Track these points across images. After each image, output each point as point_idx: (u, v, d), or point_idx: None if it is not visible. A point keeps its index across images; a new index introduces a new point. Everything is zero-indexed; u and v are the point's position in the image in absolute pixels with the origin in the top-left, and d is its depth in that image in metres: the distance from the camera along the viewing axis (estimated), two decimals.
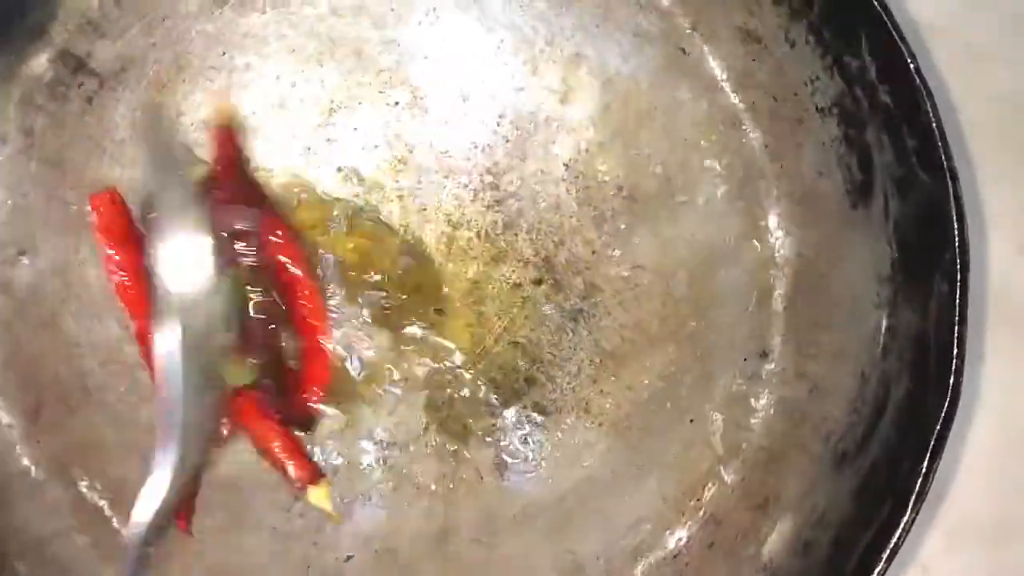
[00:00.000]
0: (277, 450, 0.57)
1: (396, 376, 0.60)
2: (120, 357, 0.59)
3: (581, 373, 0.60)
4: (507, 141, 0.61)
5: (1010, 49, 0.64)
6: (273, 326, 0.58)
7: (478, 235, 0.61)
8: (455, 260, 0.61)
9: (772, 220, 0.59)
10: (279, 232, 0.58)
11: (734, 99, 0.59)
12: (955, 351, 0.49)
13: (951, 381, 0.49)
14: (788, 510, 0.56)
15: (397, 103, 0.61)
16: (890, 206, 0.54)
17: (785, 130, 0.58)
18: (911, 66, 0.51)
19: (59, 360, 0.58)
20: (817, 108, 0.56)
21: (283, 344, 0.58)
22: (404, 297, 0.60)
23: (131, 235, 0.58)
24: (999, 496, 0.61)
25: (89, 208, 0.58)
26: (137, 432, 0.58)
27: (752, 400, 0.59)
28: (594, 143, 0.61)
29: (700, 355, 0.60)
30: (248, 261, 0.57)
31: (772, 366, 0.59)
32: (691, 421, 0.59)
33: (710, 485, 0.59)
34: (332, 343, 0.59)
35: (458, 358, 0.60)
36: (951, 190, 0.50)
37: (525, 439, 0.60)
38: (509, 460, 0.60)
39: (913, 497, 0.49)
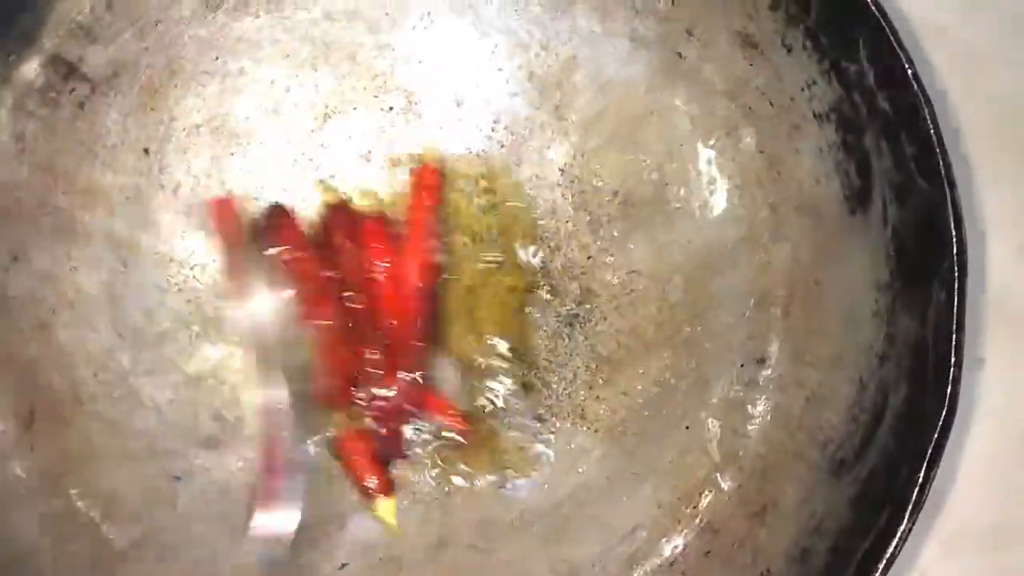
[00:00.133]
0: (357, 456, 0.58)
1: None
2: (114, 366, 0.58)
3: (577, 379, 0.60)
4: (502, 146, 0.61)
5: (1009, 50, 0.64)
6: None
7: (473, 240, 0.61)
8: (450, 265, 0.60)
9: (769, 226, 0.59)
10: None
11: (731, 104, 0.59)
12: (953, 359, 0.49)
13: (949, 389, 0.49)
14: (785, 518, 0.56)
15: (391, 108, 0.61)
16: (888, 213, 0.54)
17: (782, 136, 0.58)
18: (909, 72, 0.50)
19: (52, 368, 0.58)
20: (815, 114, 0.56)
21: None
22: None
23: (243, 239, 0.59)
24: (997, 502, 0.61)
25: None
26: (130, 442, 0.58)
27: (749, 407, 0.59)
28: (590, 148, 0.61)
29: (696, 361, 0.60)
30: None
31: (769, 372, 0.58)
32: (687, 428, 0.59)
33: (707, 492, 0.58)
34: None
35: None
36: (949, 197, 0.50)
37: (521, 446, 0.60)
38: (506, 467, 0.60)
39: (911, 505, 0.49)
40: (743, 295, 0.59)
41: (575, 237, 0.61)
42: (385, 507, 0.58)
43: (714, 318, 0.60)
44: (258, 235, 0.59)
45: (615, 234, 0.60)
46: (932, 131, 0.50)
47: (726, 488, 0.58)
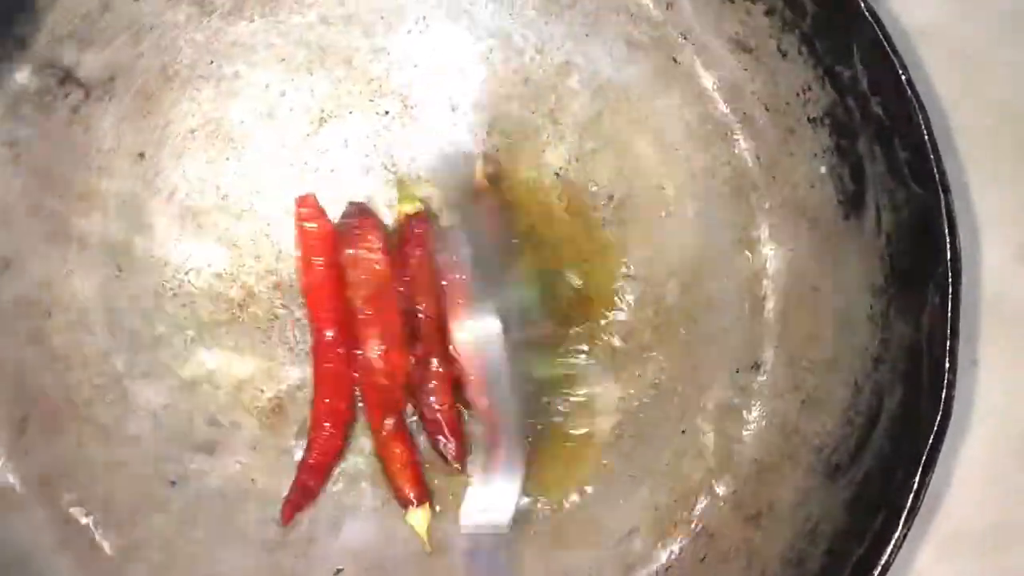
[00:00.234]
0: (396, 459, 0.58)
1: None
2: (108, 370, 0.58)
3: (571, 384, 0.60)
4: (497, 150, 0.61)
5: (1003, 54, 0.64)
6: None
7: None
8: None
9: (764, 231, 0.59)
10: None
11: (725, 109, 0.59)
12: (947, 364, 0.49)
13: (944, 394, 0.49)
14: (781, 522, 0.56)
15: (387, 112, 0.61)
16: (882, 217, 0.54)
17: (777, 140, 0.58)
18: (903, 78, 0.51)
19: (45, 374, 0.58)
20: (809, 118, 0.56)
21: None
22: None
23: (329, 239, 0.59)
24: (993, 503, 0.61)
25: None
26: (124, 447, 0.58)
27: (744, 411, 0.58)
28: (585, 152, 0.61)
29: (692, 365, 0.60)
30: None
31: (764, 377, 0.58)
32: (683, 432, 0.59)
33: (702, 497, 0.58)
34: None
35: None
36: (943, 202, 0.50)
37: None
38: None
39: (907, 510, 0.49)
40: (738, 300, 0.59)
41: (570, 241, 0.60)
42: (417, 516, 0.58)
43: (709, 322, 0.60)
44: (340, 234, 0.59)
45: (611, 238, 0.60)
46: (926, 136, 0.50)
47: (722, 492, 0.58)
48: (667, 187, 0.60)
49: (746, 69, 0.58)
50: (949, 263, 0.50)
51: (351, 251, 0.59)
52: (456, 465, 0.59)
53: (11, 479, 0.56)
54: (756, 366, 0.59)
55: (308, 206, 0.59)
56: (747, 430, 0.58)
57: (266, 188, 0.60)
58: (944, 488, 0.60)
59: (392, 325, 0.58)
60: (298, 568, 0.58)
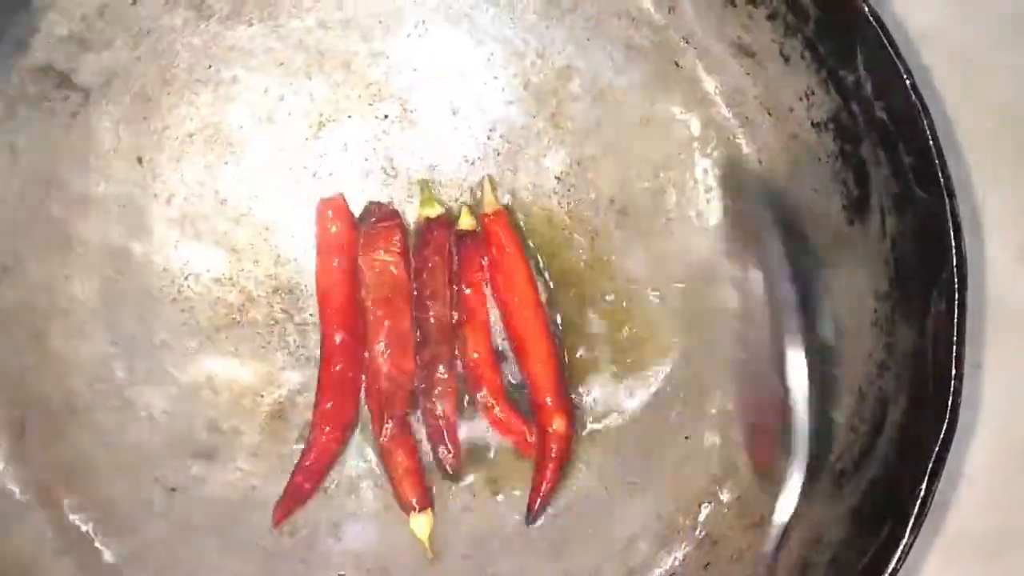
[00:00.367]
0: (398, 465, 0.58)
1: None
2: (108, 376, 0.58)
3: (575, 390, 0.60)
4: (498, 154, 0.60)
5: (1003, 57, 0.64)
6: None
7: None
8: None
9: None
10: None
11: (728, 113, 0.59)
12: (954, 371, 0.49)
13: (950, 400, 0.49)
14: (785, 529, 0.55)
15: (386, 116, 0.60)
16: (887, 223, 0.53)
17: (780, 145, 0.57)
18: (907, 82, 0.50)
19: (45, 378, 0.57)
20: (812, 123, 0.56)
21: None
22: None
23: (351, 242, 0.59)
24: (999, 507, 0.61)
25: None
26: (124, 453, 0.58)
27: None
28: (586, 156, 0.60)
29: (694, 371, 0.59)
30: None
31: None
32: (686, 438, 0.59)
33: (706, 503, 0.58)
34: None
35: None
36: (948, 207, 0.50)
37: (519, 455, 0.59)
38: (501, 477, 0.59)
39: (912, 519, 0.49)
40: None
41: (571, 245, 0.60)
42: (419, 522, 0.58)
43: (712, 327, 0.59)
44: (361, 235, 0.59)
45: (612, 242, 0.60)
46: (931, 141, 0.50)
47: (725, 499, 0.58)
48: (668, 192, 0.60)
49: (748, 73, 0.57)
50: (955, 268, 0.50)
51: (371, 253, 0.58)
52: (452, 473, 0.58)
53: (10, 485, 0.56)
54: None
55: (334, 208, 0.59)
56: None
57: (265, 192, 0.60)
58: (949, 493, 0.60)
59: (401, 328, 0.58)
60: (299, 573, 0.58)
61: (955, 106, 0.62)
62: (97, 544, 0.57)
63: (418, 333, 0.59)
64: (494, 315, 0.60)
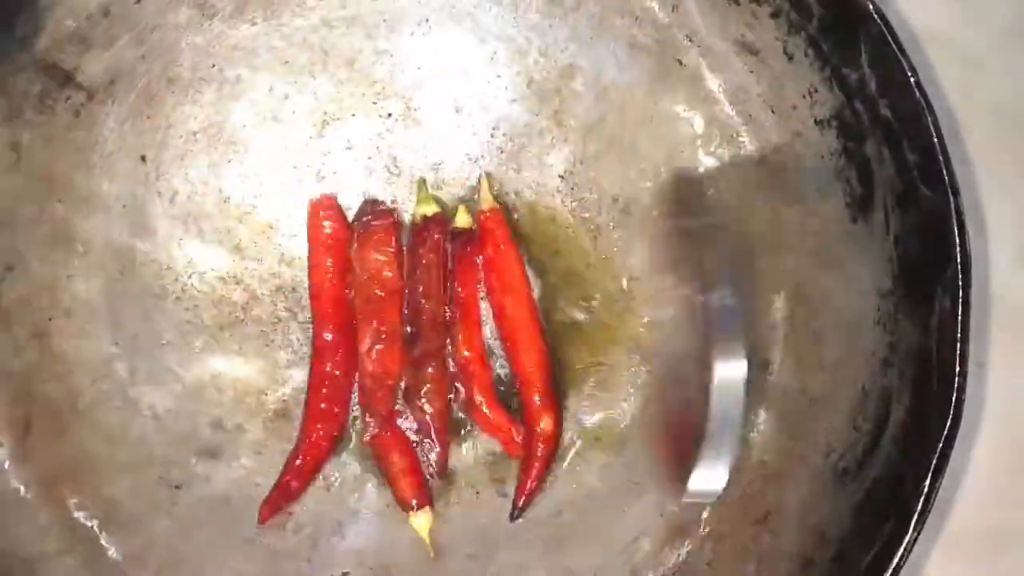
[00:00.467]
0: (395, 463, 0.58)
1: None
2: (112, 374, 0.58)
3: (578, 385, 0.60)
4: (501, 152, 0.61)
5: (1002, 58, 0.64)
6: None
7: None
8: None
9: (770, 233, 0.59)
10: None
11: (731, 111, 0.59)
12: (957, 368, 0.49)
13: (954, 398, 0.49)
14: (788, 526, 0.55)
15: (390, 114, 0.60)
16: (891, 220, 0.53)
17: (783, 143, 0.57)
18: (911, 80, 0.50)
19: (48, 377, 0.57)
20: (816, 121, 0.56)
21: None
22: None
23: (343, 242, 0.59)
24: (1002, 505, 0.61)
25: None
26: (128, 451, 0.58)
27: (751, 414, 0.58)
28: (589, 154, 0.60)
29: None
30: None
31: (772, 380, 0.58)
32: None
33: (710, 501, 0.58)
34: None
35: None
36: (952, 204, 0.49)
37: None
38: (506, 475, 0.59)
39: (916, 516, 0.49)
40: (744, 302, 0.59)
41: (575, 243, 0.60)
42: (419, 520, 0.58)
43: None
44: (355, 233, 0.59)
45: (615, 240, 0.60)
46: (935, 138, 0.50)
47: (729, 496, 0.58)
48: (671, 190, 0.60)
49: (752, 71, 0.57)
50: (959, 266, 0.49)
51: (364, 252, 0.59)
52: (438, 472, 0.59)
53: (15, 482, 0.56)
54: (763, 369, 0.58)
55: (326, 207, 0.59)
56: (754, 433, 0.58)
57: (268, 191, 0.60)
58: (952, 490, 0.60)
59: (390, 326, 0.58)
60: (303, 571, 0.58)
61: (959, 108, 0.63)
62: (101, 542, 0.57)
63: (409, 330, 0.59)
64: (488, 313, 0.60)
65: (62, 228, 0.58)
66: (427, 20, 0.60)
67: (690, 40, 0.58)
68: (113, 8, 0.57)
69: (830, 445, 0.55)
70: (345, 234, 0.59)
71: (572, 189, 0.60)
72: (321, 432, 0.58)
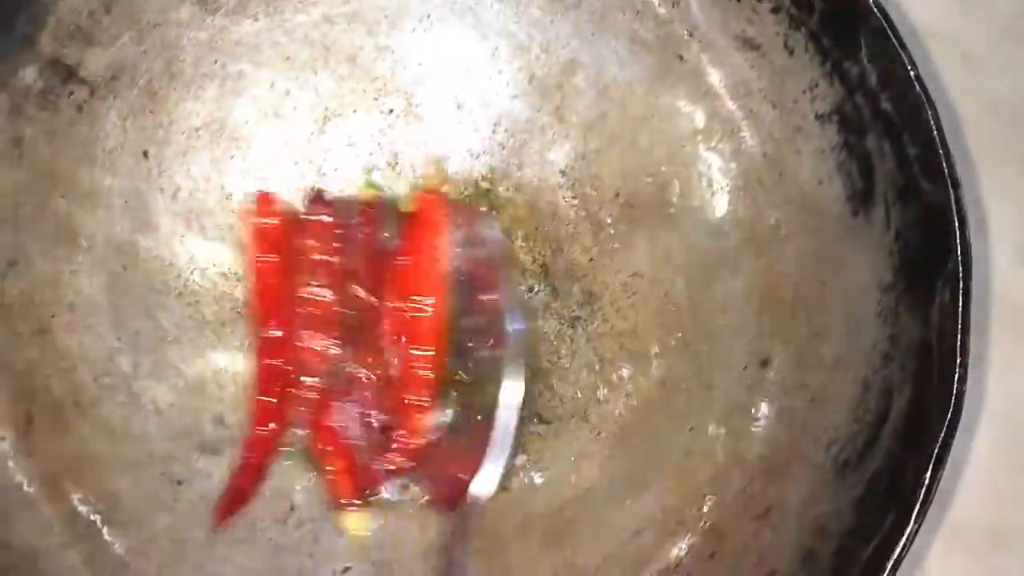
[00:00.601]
0: (328, 458, 0.58)
1: None
2: (114, 370, 0.58)
3: (579, 381, 0.60)
4: (503, 148, 0.61)
5: (1001, 53, 0.64)
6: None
7: None
8: None
9: (771, 228, 0.59)
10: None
11: (732, 106, 0.59)
12: (958, 359, 0.49)
13: (955, 390, 0.49)
14: (790, 520, 0.55)
15: (391, 111, 0.61)
16: (891, 214, 0.53)
17: (784, 137, 0.58)
18: (912, 74, 0.50)
19: (51, 373, 0.57)
20: (817, 115, 0.56)
21: None
22: None
23: (282, 239, 0.58)
24: (1003, 500, 0.61)
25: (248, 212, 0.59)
26: (131, 447, 0.58)
27: (753, 409, 0.58)
28: (591, 150, 0.60)
29: (699, 363, 0.59)
30: None
31: (773, 375, 0.58)
32: (691, 430, 0.59)
33: (711, 494, 0.58)
34: None
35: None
36: (953, 198, 0.50)
37: (523, 449, 0.60)
38: (507, 470, 0.59)
39: (917, 507, 0.49)
40: (746, 297, 0.59)
41: (577, 239, 0.60)
42: (356, 521, 0.58)
43: (717, 320, 0.59)
44: (296, 225, 0.59)
45: (617, 236, 0.60)
46: (935, 132, 0.50)
47: (730, 490, 0.58)
48: (673, 185, 0.60)
49: (753, 66, 0.57)
50: (960, 259, 0.50)
51: (304, 241, 0.58)
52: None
53: (18, 478, 0.56)
54: (764, 363, 0.58)
55: (265, 203, 0.59)
56: (756, 427, 0.58)
57: (270, 187, 0.60)
58: (953, 484, 0.60)
59: (327, 314, 0.58)
60: (305, 567, 0.58)
61: (959, 104, 0.63)
62: (104, 536, 0.57)
63: (345, 321, 0.58)
64: None
65: (64, 224, 0.58)
66: (428, 16, 0.60)
67: (691, 35, 0.58)
68: (116, 4, 0.57)
69: (831, 438, 0.55)
70: (287, 228, 0.58)
71: (574, 185, 0.61)
72: (267, 430, 0.58)
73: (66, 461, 0.57)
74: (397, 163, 0.61)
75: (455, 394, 0.59)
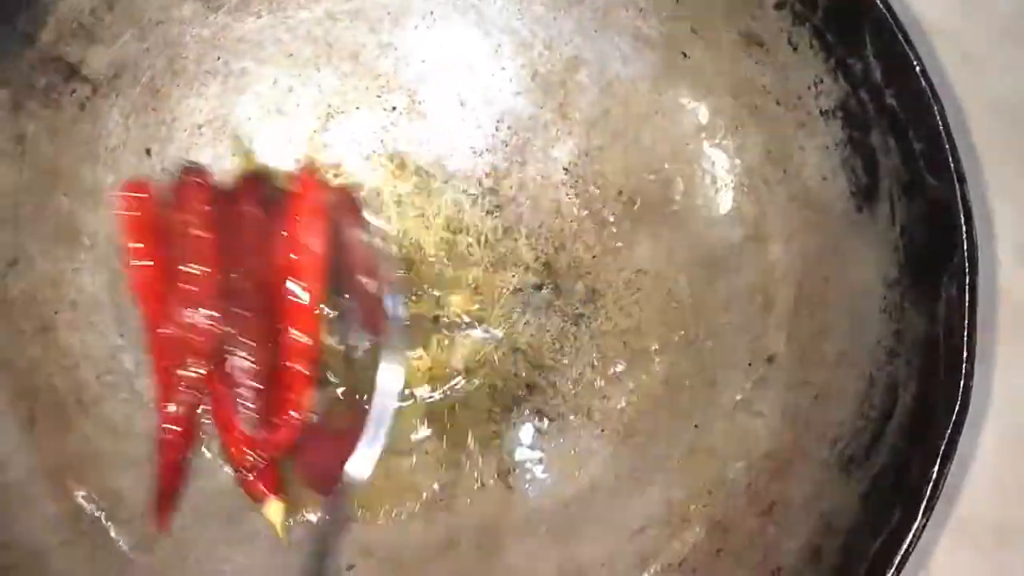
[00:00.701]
0: (239, 453, 0.56)
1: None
2: (116, 368, 0.58)
3: (583, 378, 0.60)
4: (506, 145, 0.61)
5: (1002, 52, 0.64)
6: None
7: (478, 241, 0.60)
8: (455, 266, 0.60)
9: (776, 224, 0.59)
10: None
11: (736, 103, 0.59)
12: (964, 355, 0.49)
13: (961, 386, 0.49)
14: (795, 516, 0.55)
15: (394, 108, 0.61)
16: (896, 209, 0.53)
17: (788, 134, 0.57)
18: (917, 69, 0.50)
19: (54, 371, 0.57)
20: (821, 111, 0.56)
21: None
22: None
23: (157, 227, 0.57)
24: (1008, 493, 0.61)
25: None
26: (133, 445, 0.57)
27: (757, 405, 0.58)
28: (594, 147, 0.60)
29: (703, 360, 0.59)
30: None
31: (777, 371, 0.58)
32: (696, 426, 0.59)
33: (716, 490, 0.58)
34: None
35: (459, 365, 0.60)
36: (959, 193, 0.50)
37: (528, 446, 0.59)
38: (512, 467, 0.59)
39: (924, 503, 0.49)
40: (750, 293, 0.59)
41: (580, 236, 0.60)
42: (274, 510, 0.57)
43: (721, 317, 0.59)
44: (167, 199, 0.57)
45: (620, 233, 0.60)
46: (940, 127, 0.50)
47: (735, 486, 0.58)
48: (676, 182, 0.60)
49: (756, 63, 0.57)
50: (965, 254, 0.50)
51: (176, 214, 0.56)
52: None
53: (21, 475, 0.56)
54: (769, 359, 0.58)
55: (134, 190, 0.57)
56: (761, 423, 0.58)
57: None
58: (960, 477, 0.60)
59: (206, 286, 0.56)
60: (309, 565, 0.58)
61: (964, 101, 0.63)
62: (109, 534, 0.57)
63: (225, 290, 0.56)
64: None
65: (67, 221, 0.58)
66: (431, 13, 0.60)
67: (694, 32, 0.58)
68: (117, 2, 0.57)
69: (836, 434, 0.55)
70: (154, 215, 0.57)
71: (577, 182, 0.61)
72: (176, 429, 0.56)
73: (69, 459, 0.57)
74: (401, 160, 0.60)
75: (332, 378, 0.58)
